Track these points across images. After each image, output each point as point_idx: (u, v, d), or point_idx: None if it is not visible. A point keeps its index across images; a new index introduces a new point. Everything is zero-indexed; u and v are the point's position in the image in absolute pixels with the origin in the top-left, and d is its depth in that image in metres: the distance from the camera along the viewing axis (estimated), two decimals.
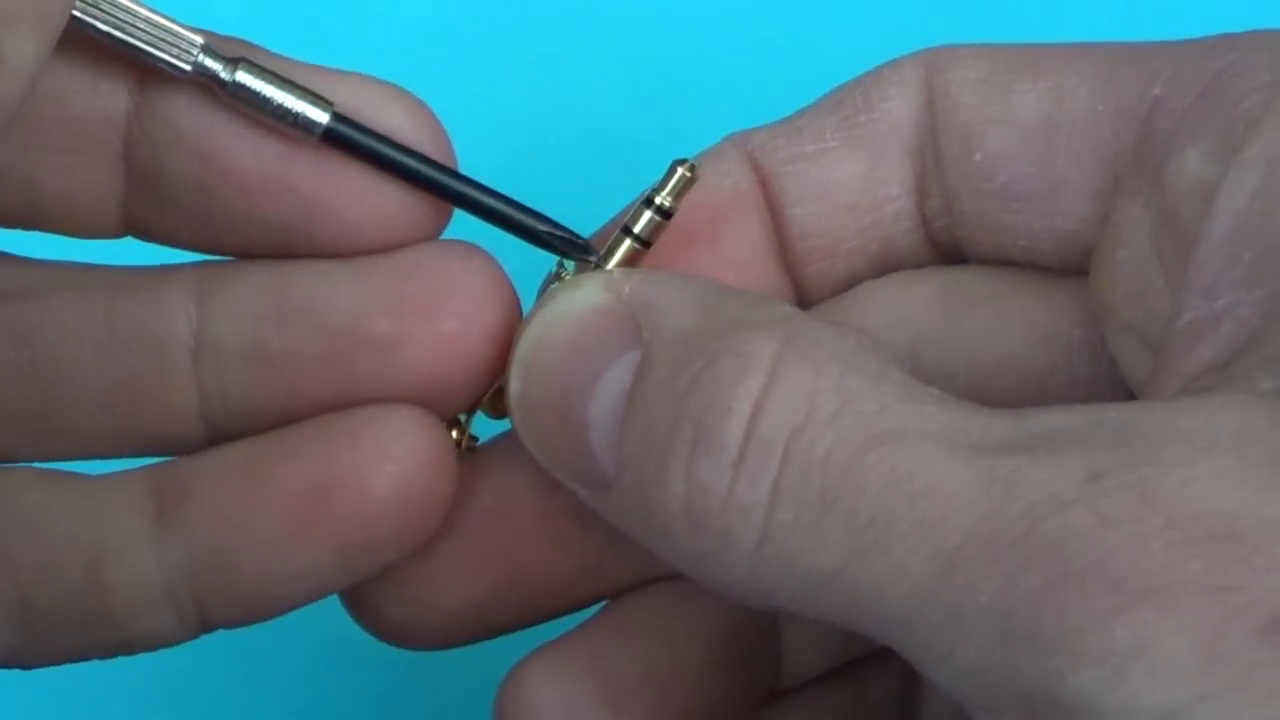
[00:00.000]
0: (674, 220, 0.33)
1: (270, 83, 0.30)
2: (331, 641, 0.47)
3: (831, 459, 0.27)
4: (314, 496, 0.31)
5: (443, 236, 0.33)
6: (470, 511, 0.34)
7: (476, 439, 0.34)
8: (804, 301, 0.36)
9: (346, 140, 0.31)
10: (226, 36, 0.31)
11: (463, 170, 0.32)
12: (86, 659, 0.33)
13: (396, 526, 0.32)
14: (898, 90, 0.35)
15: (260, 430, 0.32)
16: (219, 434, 0.33)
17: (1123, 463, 0.25)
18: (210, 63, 0.30)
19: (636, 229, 0.33)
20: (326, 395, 0.32)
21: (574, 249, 0.33)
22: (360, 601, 0.34)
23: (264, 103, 0.30)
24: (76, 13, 0.29)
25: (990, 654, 0.25)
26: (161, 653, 0.33)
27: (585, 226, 0.34)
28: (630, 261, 0.33)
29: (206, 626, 0.33)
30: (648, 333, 0.30)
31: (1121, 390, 0.33)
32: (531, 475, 0.33)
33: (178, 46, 0.30)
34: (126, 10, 0.30)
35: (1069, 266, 0.34)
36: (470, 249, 0.32)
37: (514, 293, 0.33)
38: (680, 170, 0.33)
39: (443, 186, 0.32)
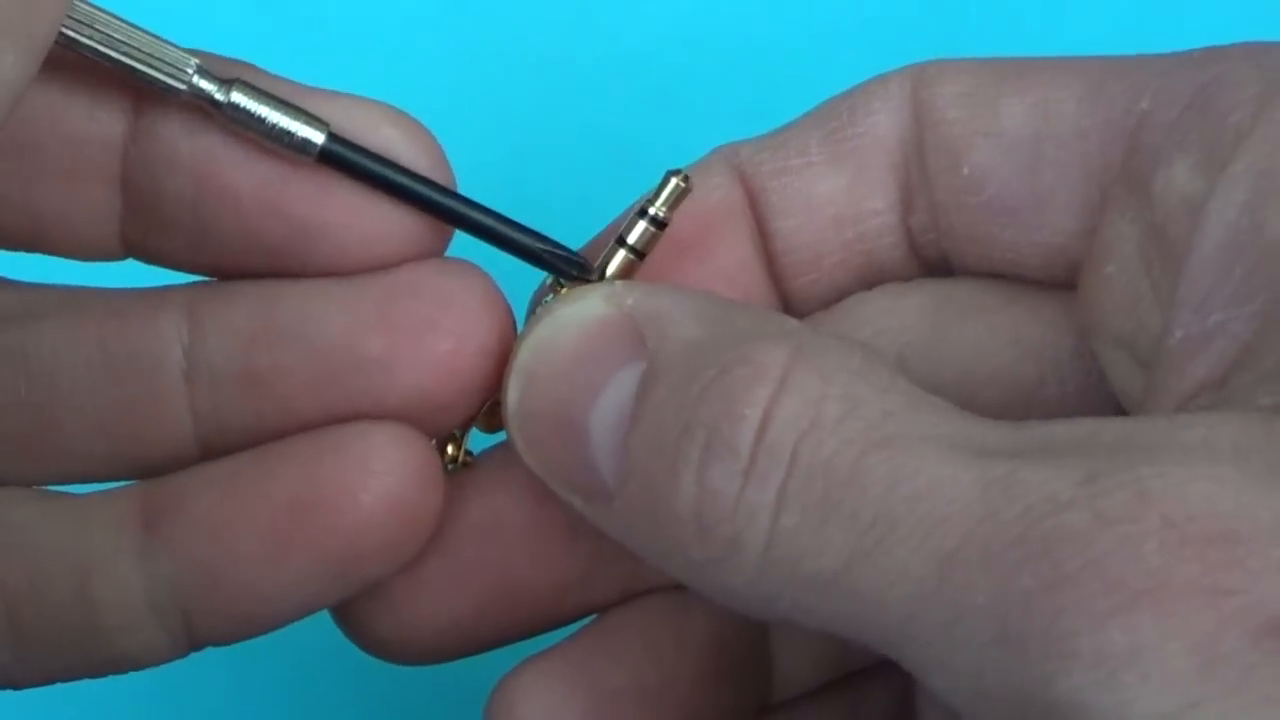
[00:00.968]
0: (666, 231, 0.33)
1: (265, 103, 0.31)
2: (320, 652, 0.47)
3: (836, 462, 0.27)
4: (298, 510, 0.32)
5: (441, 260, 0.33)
6: (458, 526, 0.34)
7: (472, 454, 0.35)
8: (792, 314, 0.36)
9: (342, 160, 0.31)
10: (221, 56, 0.31)
11: (460, 180, 0.32)
12: (77, 678, 0.33)
13: (383, 541, 0.32)
14: (882, 105, 0.35)
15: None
16: (213, 455, 0.33)
17: (1121, 466, 0.25)
18: (205, 83, 0.30)
19: (631, 240, 0.33)
20: (320, 414, 0.32)
21: (573, 268, 0.33)
22: (349, 616, 0.34)
23: (259, 123, 0.31)
24: (68, 31, 0.29)
25: (986, 658, 0.25)
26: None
27: (582, 231, 0.35)
28: (625, 272, 0.33)
29: (195, 643, 0.33)
30: (653, 344, 0.30)
31: (1112, 404, 0.34)
32: (520, 489, 0.34)
33: (172, 66, 0.30)
34: (120, 29, 0.30)
35: (1057, 280, 0.34)
36: (465, 267, 0.33)
37: (509, 311, 0.33)
38: (674, 181, 0.33)
39: (439, 206, 0.32)
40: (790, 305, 0.36)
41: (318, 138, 0.31)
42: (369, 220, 0.32)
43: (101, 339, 0.32)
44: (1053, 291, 0.35)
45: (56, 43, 0.28)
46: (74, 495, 0.33)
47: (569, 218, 0.35)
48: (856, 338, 0.35)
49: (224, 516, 0.32)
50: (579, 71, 0.52)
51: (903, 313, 0.36)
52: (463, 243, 0.33)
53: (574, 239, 0.34)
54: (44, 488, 0.33)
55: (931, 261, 0.36)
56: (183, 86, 0.30)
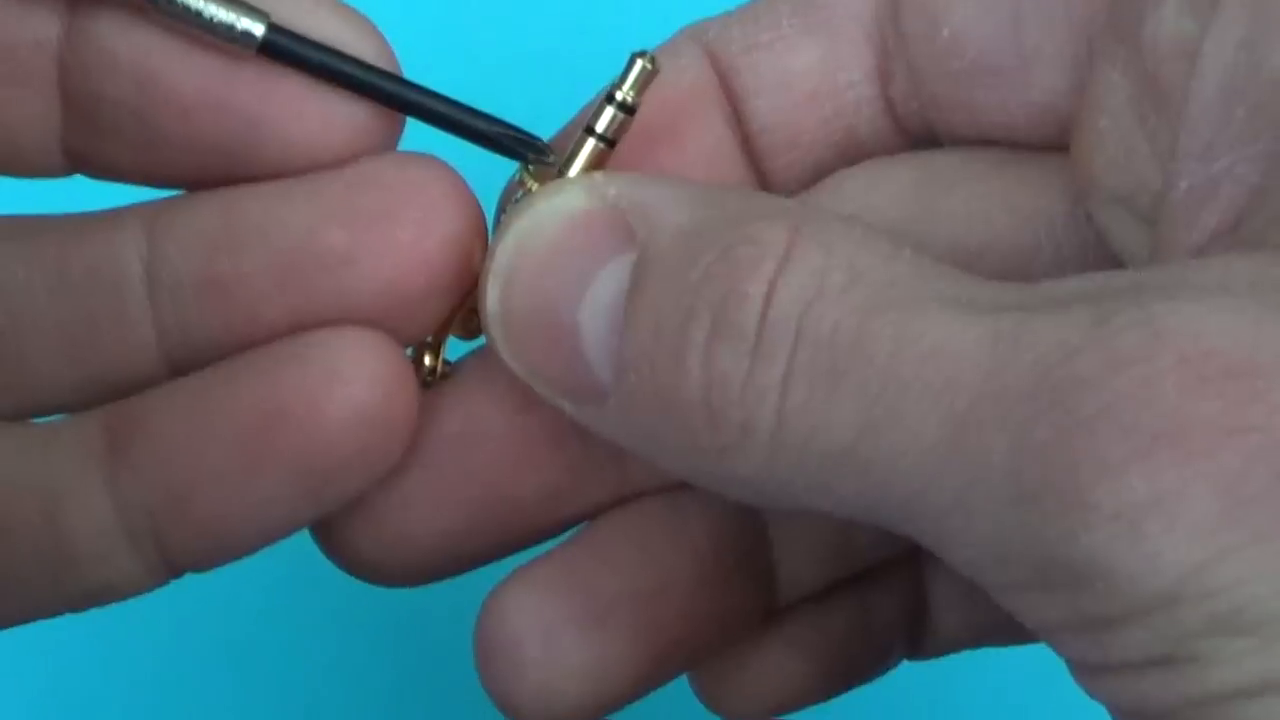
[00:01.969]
0: (634, 120, 0.32)
1: None
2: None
3: (840, 331, 0.26)
4: (265, 423, 0.31)
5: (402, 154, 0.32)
6: (438, 437, 0.33)
7: (450, 364, 0.34)
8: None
9: (285, 52, 0.30)
10: None
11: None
12: (57, 613, 0.32)
13: (355, 451, 0.31)
14: None
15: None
16: (182, 371, 0.32)
17: (1132, 304, 0.24)
18: None
19: (600, 128, 0.32)
20: (286, 319, 0.31)
21: (530, 150, 0.32)
22: (330, 537, 0.34)
23: (195, 17, 0.30)
24: None
25: (1005, 520, 0.24)
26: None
27: None
28: (596, 163, 0.32)
29: (173, 568, 0.32)
30: (643, 234, 0.29)
31: (1111, 265, 0.33)
32: (500, 396, 0.33)
33: None
34: None
35: (1048, 141, 0.33)
36: (427, 159, 0.32)
37: (475, 201, 0.32)
38: (641, 63, 0.32)
39: (388, 93, 0.31)
40: (770, 186, 0.35)
41: (258, 29, 0.30)
42: (317, 113, 0.31)
43: (59, 260, 0.31)
44: (1043, 155, 0.34)
45: None
46: (37, 425, 0.32)
47: None
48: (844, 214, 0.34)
49: (190, 433, 0.31)
50: (580, 72, 0.51)
51: (888, 187, 0.35)
52: (421, 144, 0.32)
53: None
54: (6, 421, 0.32)
55: (916, 132, 0.35)
56: None
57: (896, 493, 0.26)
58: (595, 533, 0.34)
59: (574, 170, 0.32)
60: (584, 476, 0.34)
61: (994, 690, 0.55)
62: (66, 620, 0.32)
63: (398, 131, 0.32)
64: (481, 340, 0.32)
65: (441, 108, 0.31)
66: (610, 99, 0.32)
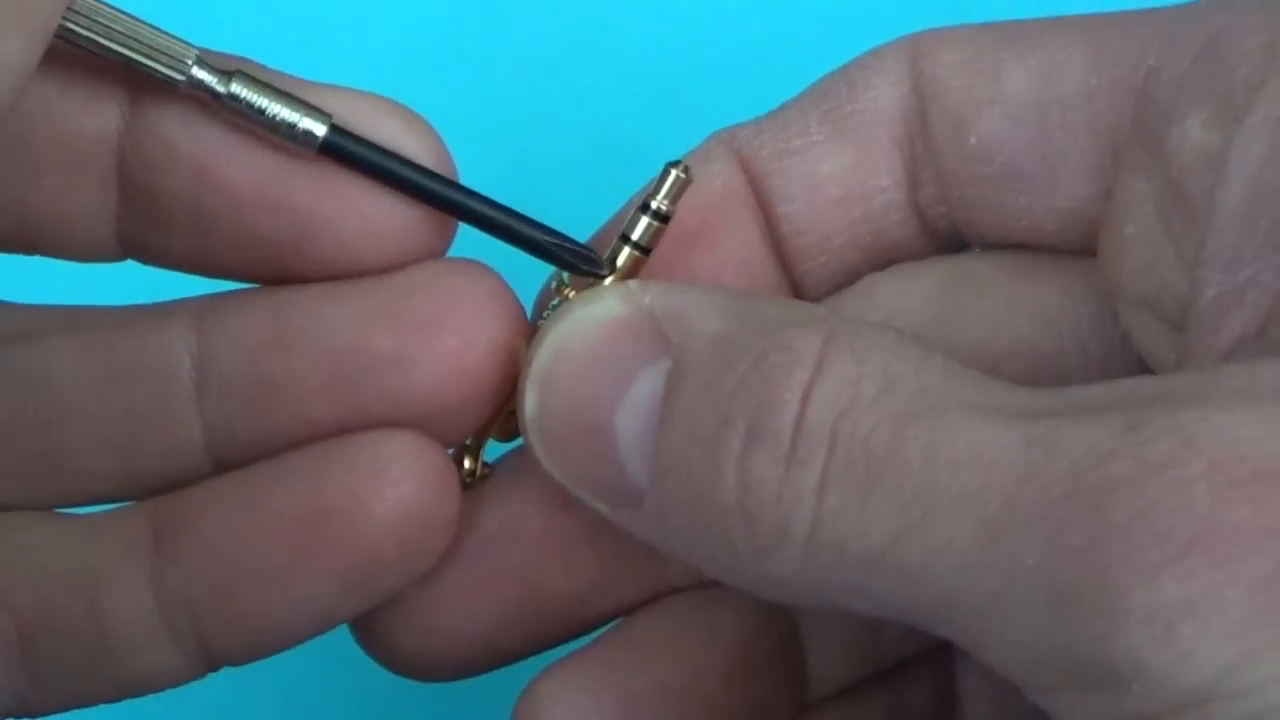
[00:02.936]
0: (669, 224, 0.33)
1: (266, 95, 0.30)
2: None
3: (874, 438, 0.27)
4: (311, 521, 0.31)
5: (451, 255, 0.33)
6: (476, 536, 0.34)
7: (489, 466, 0.35)
8: (803, 299, 0.36)
9: (344, 153, 0.31)
10: (221, 53, 0.31)
11: (465, 179, 0.32)
12: (93, 702, 0.33)
13: (397, 551, 0.32)
14: (881, 79, 0.35)
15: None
16: (226, 468, 0.32)
17: (1163, 413, 0.25)
18: (204, 75, 0.30)
19: (635, 236, 0.33)
20: (331, 420, 0.32)
21: (583, 262, 0.33)
22: (370, 632, 0.34)
23: (260, 115, 0.30)
24: (68, 22, 0.29)
25: (1040, 623, 0.25)
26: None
27: (586, 226, 0.34)
28: (632, 270, 0.33)
29: (211, 663, 0.33)
30: (678, 340, 0.30)
31: (1137, 368, 0.33)
32: (538, 495, 0.34)
33: (171, 58, 0.30)
34: (120, 21, 0.30)
35: (1074, 245, 0.34)
36: (474, 265, 0.32)
37: (520, 308, 0.33)
38: (675, 173, 0.33)
39: (444, 198, 0.32)
40: (801, 289, 0.36)
41: (319, 129, 0.31)
42: (372, 215, 0.31)
43: (108, 353, 0.32)
44: (1069, 259, 0.35)
45: (56, 35, 0.28)
46: (84, 515, 0.33)
47: (572, 219, 0.34)
48: (871, 319, 0.35)
49: (234, 530, 0.32)
50: (580, 71, 0.52)
51: (917, 292, 0.35)
52: (470, 244, 0.33)
53: (578, 237, 0.34)
54: (54, 510, 0.33)
55: (943, 235, 0.36)
56: (182, 78, 0.30)
57: (931, 595, 0.26)
58: (630, 629, 0.35)
59: (610, 278, 0.33)
60: (619, 574, 0.35)
61: None
62: None
63: (450, 235, 0.33)
64: (519, 440, 0.33)
65: (496, 215, 0.32)
66: (645, 208, 0.33)
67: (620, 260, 0.33)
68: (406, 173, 0.31)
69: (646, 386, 0.30)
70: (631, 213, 0.33)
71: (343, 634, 0.34)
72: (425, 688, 0.35)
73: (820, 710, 0.37)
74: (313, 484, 0.31)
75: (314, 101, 0.31)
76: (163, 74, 0.30)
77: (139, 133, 0.31)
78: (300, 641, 0.33)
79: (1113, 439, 0.25)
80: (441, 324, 0.31)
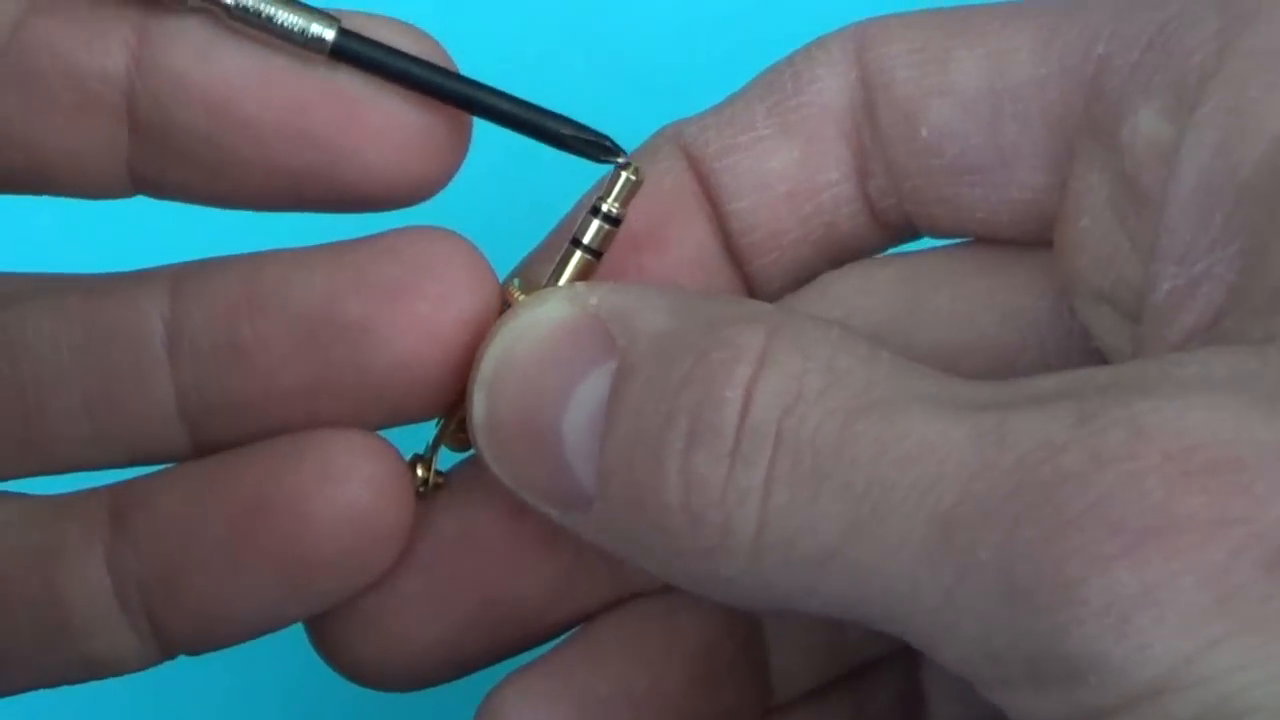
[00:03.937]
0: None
1: (272, 3, 0.30)
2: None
3: (821, 434, 0.27)
4: (253, 513, 0.31)
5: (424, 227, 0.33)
6: (432, 542, 0.34)
7: (443, 475, 0.34)
8: (757, 297, 0.36)
9: (355, 55, 0.31)
10: None
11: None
12: (52, 683, 0.33)
13: (340, 550, 0.31)
14: (827, 70, 0.35)
15: (240, 427, 0.32)
16: (200, 433, 0.32)
17: (1115, 403, 0.25)
18: None
19: (586, 240, 0.33)
20: (302, 385, 0.32)
21: (600, 150, 0.32)
22: (325, 639, 0.34)
23: (268, 23, 0.30)
24: None
25: (994, 618, 0.25)
26: None
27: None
28: (583, 273, 0.33)
29: (165, 649, 0.33)
30: (623, 341, 0.30)
31: (1096, 361, 0.33)
32: (494, 501, 0.33)
33: None
34: None
35: (1030, 237, 0.34)
36: (447, 234, 0.32)
37: (494, 279, 0.32)
38: (625, 175, 0.33)
39: (456, 91, 0.31)
40: (754, 287, 0.36)
41: (329, 33, 0.30)
42: (390, 126, 0.31)
43: (84, 316, 0.32)
44: (1027, 252, 0.34)
45: None
46: (46, 496, 0.33)
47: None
48: (829, 318, 0.34)
49: (184, 514, 0.32)
50: (578, 71, 0.52)
51: (874, 288, 0.35)
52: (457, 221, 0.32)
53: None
54: (15, 492, 0.33)
55: (896, 228, 0.36)
56: None
57: (883, 593, 0.26)
58: (589, 635, 0.35)
59: (561, 281, 0.33)
60: (578, 580, 0.34)
61: None
62: None
63: (465, 143, 0.32)
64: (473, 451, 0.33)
65: (514, 108, 0.32)
66: (596, 211, 0.33)
67: (571, 265, 0.33)
68: (418, 69, 0.31)
69: (593, 389, 0.30)
70: (582, 216, 0.33)
71: (293, 641, 0.34)
72: (384, 697, 0.35)
73: (786, 713, 0.37)
74: (261, 475, 0.31)
75: None
76: None
77: (148, 68, 0.31)
78: (250, 637, 0.33)
79: (1065, 431, 0.25)
80: (411, 291, 0.31)
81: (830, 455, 0.26)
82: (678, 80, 0.51)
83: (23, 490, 0.33)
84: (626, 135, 0.35)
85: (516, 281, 0.33)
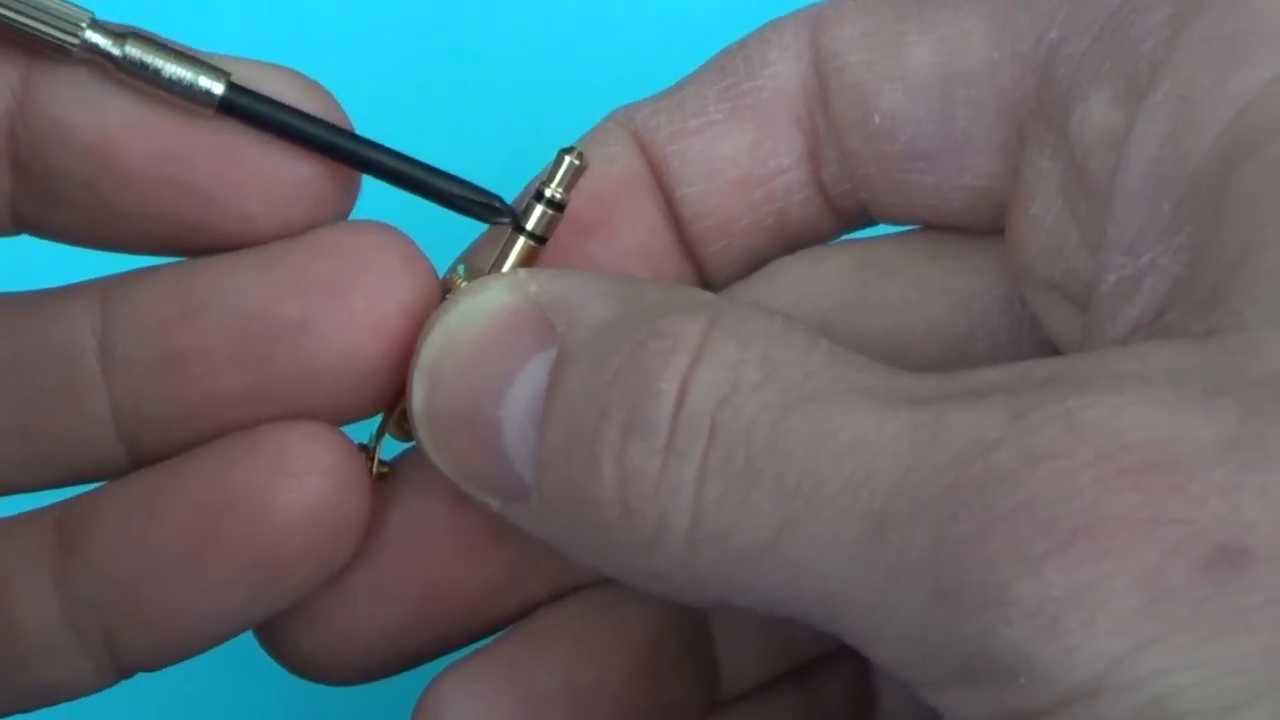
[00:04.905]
0: (566, 211, 0.33)
1: (162, 55, 0.30)
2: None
3: (755, 427, 0.26)
4: (214, 514, 0.31)
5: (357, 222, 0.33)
6: (377, 534, 0.33)
7: (387, 464, 0.34)
8: (708, 285, 0.36)
9: (243, 110, 0.30)
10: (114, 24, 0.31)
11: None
12: (6, 712, 0.32)
13: (305, 543, 0.31)
14: (779, 55, 0.34)
15: (181, 437, 0.32)
16: (137, 447, 0.32)
17: (1050, 399, 0.24)
18: (98, 38, 0.30)
19: (530, 226, 0.32)
20: (242, 390, 0.31)
21: (490, 211, 0.32)
22: (271, 635, 0.34)
23: (156, 76, 0.30)
24: None
25: (925, 617, 0.25)
26: None
27: None
28: (527, 260, 0.33)
29: (122, 667, 0.32)
30: (562, 329, 0.30)
31: (1047, 351, 0.33)
32: (438, 492, 0.33)
33: (65, 21, 0.29)
34: None
35: (983, 224, 0.34)
36: (382, 227, 0.32)
37: (431, 270, 0.32)
38: (569, 159, 0.32)
39: (345, 150, 0.31)
40: (705, 274, 0.36)
41: (217, 88, 0.30)
42: (274, 180, 0.31)
43: (11, 334, 0.32)
44: (979, 239, 0.34)
45: None
46: None
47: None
48: (778, 305, 0.35)
49: (139, 526, 0.31)
50: (576, 71, 0.52)
51: (824, 275, 0.35)
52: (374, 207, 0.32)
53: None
54: None
55: (848, 214, 0.35)
56: (76, 41, 0.30)
57: (817, 589, 0.26)
58: (532, 626, 0.35)
59: (505, 268, 0.32)
60: (524, 571, 0.34)
61: None
62: None
63: (354, 195, 0.32)
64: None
65: (402, 166, 0.32)
66: (539, 196, 0.32)
67: (515, 251, 0.32)
68: (308, 126, 0.31)
69: (532, 378, 0.29)
70: (526, 201, 0.33)
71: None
72: (327, 690, 0.35)
73: (733, 708, 0.36)
74: (216, 477, 0.31)
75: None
76: (56, 38, 0.29)
77: (31, 112, 0.30)
78: (211, 645, 0.32)
79: (999, 427, 0.24)
80: (349, 286, 0.31)
81: (764, 449, 0.26)
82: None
83: None
84: (578, 121, 0.34)
85: (460, 268, 0.33)
